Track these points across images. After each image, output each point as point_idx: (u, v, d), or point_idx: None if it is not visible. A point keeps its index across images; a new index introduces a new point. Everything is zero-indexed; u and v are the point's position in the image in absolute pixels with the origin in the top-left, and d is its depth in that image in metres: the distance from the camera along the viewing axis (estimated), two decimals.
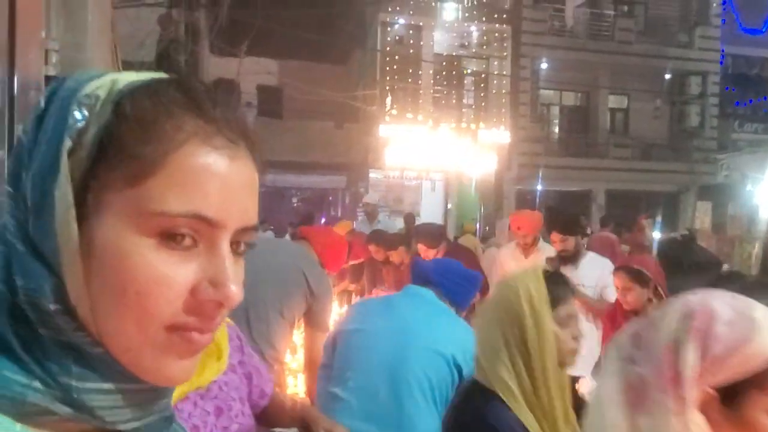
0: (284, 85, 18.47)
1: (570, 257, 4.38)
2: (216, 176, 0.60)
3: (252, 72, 17.76)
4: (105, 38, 3.08)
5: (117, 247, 0.58)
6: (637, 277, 3.51)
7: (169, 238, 0.59)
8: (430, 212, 17.89)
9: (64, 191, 0.58)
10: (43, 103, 0.64)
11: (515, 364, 1.70)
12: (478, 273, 2.66)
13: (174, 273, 0.59)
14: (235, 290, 0.61)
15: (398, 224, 14.08)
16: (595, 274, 4.34)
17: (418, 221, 17.08)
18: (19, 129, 2.52)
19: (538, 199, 18.19)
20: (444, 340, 2.27)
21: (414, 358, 2.24)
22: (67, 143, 0.59)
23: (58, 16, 2.70)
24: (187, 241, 0.60)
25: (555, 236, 4.40)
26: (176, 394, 1.46)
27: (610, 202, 19.22)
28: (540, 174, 17.92)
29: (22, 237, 0.60)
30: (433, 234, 5.48)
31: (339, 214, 18.96)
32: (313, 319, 3.08)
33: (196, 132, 0.60)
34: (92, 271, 0.59)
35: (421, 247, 5.41)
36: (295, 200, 19.88)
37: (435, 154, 17.42)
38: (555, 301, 1.75)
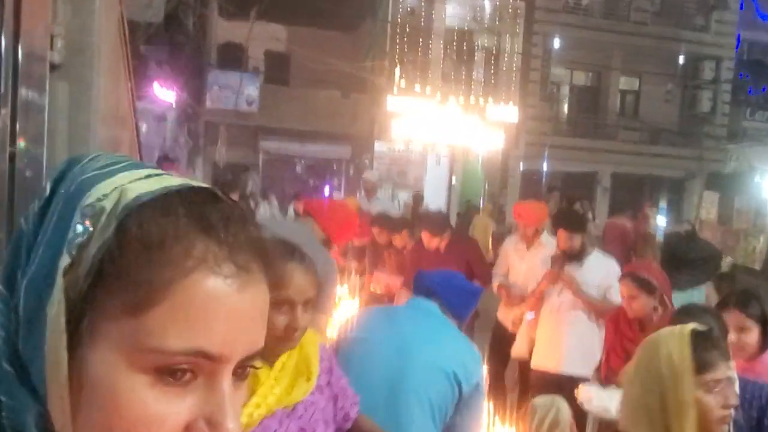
0: (292, 51, 18.26)
1: (575, 255, 4.34)
2: (222, 309, 0.56)
3: (260, 37, 17.56)
4: (112, 21, 3.01)
5: (108, 383, 0.54)
6: (644, 286, 3.45)
7: (167, 373, 0.54)
8: (434, 187, 17.84)
9: (56, 313, 0.54)
10: (47, 191, 0.60)
11: (654, 424, 1.64)
12: (479, 287, 2.65)
13: (168, 411, 0.54)
14: (232, 429, 0.56)
15: (401, 198, 14.06)
16: (600, 273, 4.30)
17: (422, 196, 17.09)
18: (24, 96, 2.46)
19: (544, 179, 18.14)
20: (446, 355, 2.24)
21: (414, 374, 2.21)
22: (65, 260, 0.55)
23: None
24: (187, 376, 0.55)
25: (561, 233, 4.35)
26: (263, 411, 1.46)
27: (615, 185, 19.14)
28: (546, 153, 17.82)
29: (9, 353, 0.56)
30: (438, 222, 5.43)
31: (342, 185, 18.92)
32: (319, 302, 3.04)
33: (204, 258, 0.55)
34: (81, 402, 0.54)
35: (425, 234, 5.37)
36: (298, 168, 19.80)
37: (442, 128, 17.29)
38: (701, 366, 1.65)
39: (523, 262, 5.19)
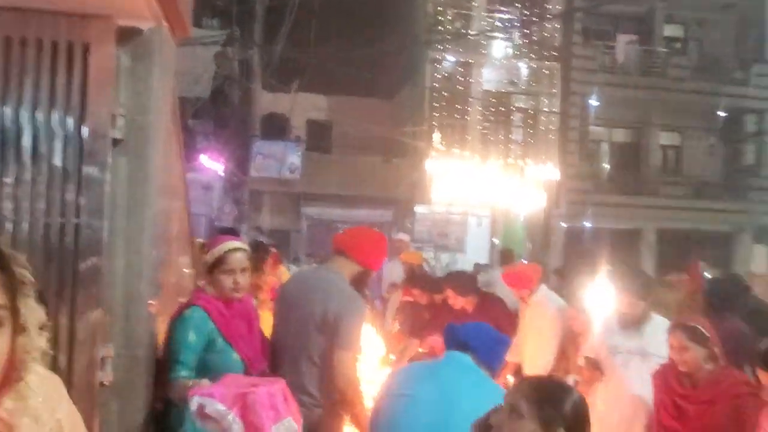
0: (333, 120, 18.78)
1: (634, 321, 4.00)
2: None
3: (302, 107, 18.13)
4: (167, 101, 3.24)
5: None
6: (695, 336, 3.25)
7: None
8: (475, 248, 17.81)
9: None
10: None
11: None
12: (506, 336, 2.74)
13: None
14: None
15: (443, 260, 13.99)
16: (663, 339, 4.03)
17: (464, 257, 17.08)
18: (87, 173, 2.65)
19: (586, 237, 17.98)
20: (486, 409, 2.28)
21: (456, 429, 2.26)
22: None
23: (127, 82, 2.86)
24: None
25: (626, 297, 4.02)
26: None
27: (660, 242, 18.84)
28: (589, 211, 17.72)
29: None
30: (464, 282, 5.43)
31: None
32: (338, 339, 2.93)
33: None
34: None
35: (450, 293, 5.34)
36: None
37: (482, 189, 17.40)
38: None
39: (524, 323, 5.08)
